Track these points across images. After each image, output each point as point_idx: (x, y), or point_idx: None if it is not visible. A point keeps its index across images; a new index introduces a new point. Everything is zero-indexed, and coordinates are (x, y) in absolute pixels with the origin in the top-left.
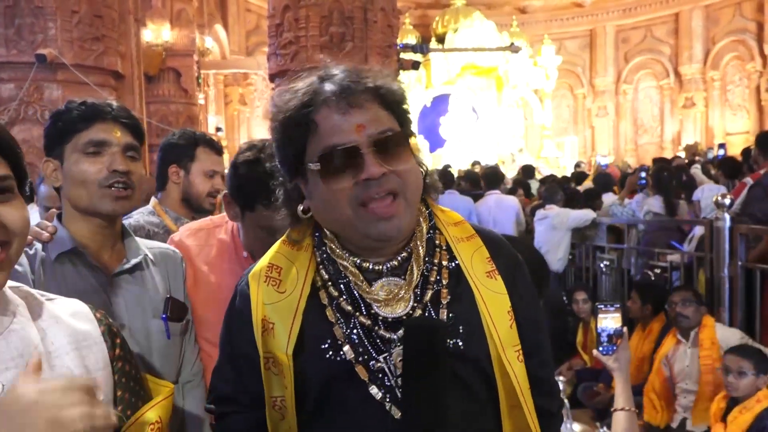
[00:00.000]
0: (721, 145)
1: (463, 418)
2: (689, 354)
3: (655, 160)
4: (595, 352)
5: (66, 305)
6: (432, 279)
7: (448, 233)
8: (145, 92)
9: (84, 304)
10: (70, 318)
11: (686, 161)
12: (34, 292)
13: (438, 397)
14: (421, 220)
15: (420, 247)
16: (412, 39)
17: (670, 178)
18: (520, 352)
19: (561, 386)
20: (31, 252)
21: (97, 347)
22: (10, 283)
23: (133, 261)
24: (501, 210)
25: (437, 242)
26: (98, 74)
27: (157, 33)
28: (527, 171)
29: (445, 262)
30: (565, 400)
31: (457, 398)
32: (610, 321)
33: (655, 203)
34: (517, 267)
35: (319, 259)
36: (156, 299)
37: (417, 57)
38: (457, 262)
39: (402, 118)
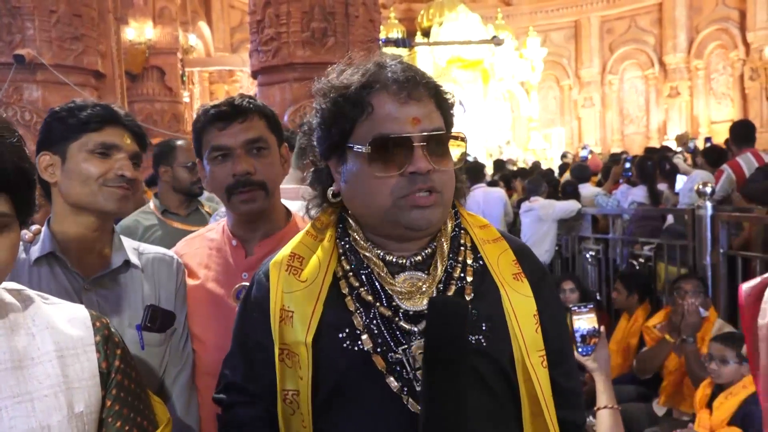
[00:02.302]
0: (708, 139)
1: (488, 419)
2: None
3: (647, 150)
4: (575, 353)
5: (65, 311)
6: (456, 275)
7: (474, 234)
8: (129, 91)
9: (86, 311)
10: (64, 324)
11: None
12: (35, 295)
13: (461, 384)
14: (447, 219)
15: (444, 244)
16: (397, 33)
17: (653, 167)
18: (545, 357)
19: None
20: None
21: (85, 356)
22: (11, 285)
23: (113, 266)
24: (489, 203)
25: (462, 241)
26: (78, 74)
27: (139, 31)
28: (499, 166)
29: (469, 261)
30: None
31: (479, 396)
32: (583, 322)
33: (639, 193)
34: (542, 275)
35: (341, 250)
36: (137, 307)
37: (401, 51)
38: (482, 261)
39: (449, 122)
